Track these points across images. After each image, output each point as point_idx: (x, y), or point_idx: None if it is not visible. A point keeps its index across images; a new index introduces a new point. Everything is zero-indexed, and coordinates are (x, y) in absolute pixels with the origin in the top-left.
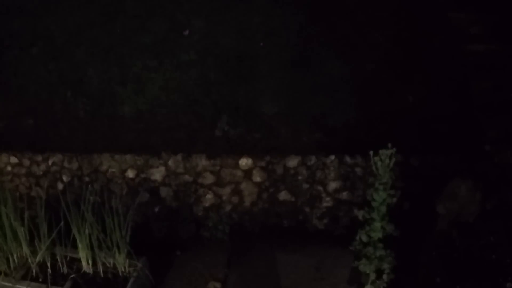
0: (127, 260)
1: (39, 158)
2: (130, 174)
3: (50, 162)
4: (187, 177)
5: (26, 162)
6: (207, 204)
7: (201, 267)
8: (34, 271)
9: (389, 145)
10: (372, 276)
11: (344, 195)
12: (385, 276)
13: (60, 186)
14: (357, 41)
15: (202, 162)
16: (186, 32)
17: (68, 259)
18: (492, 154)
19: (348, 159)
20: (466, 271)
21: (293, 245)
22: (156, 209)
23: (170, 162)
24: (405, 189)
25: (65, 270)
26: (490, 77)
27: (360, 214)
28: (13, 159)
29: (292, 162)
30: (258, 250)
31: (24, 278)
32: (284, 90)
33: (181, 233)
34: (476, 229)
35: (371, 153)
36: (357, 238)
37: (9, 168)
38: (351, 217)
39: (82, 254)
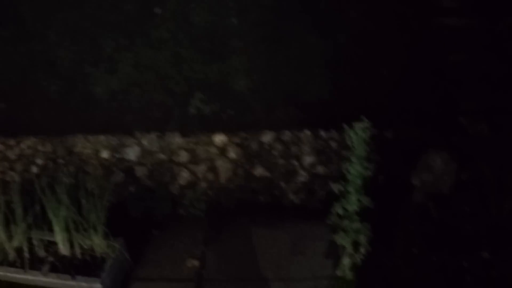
0: (104, 241)
1: (11, 142)
2: (105, 154)
3: (23, 146)
4: (162, 156)
5: None
6: (182, 182)
7: (179, 245)
8: (11, 256)
9: (364, 118)
10: (349, 249)
11: (320, 169)
12: (362, 249)
13: (34, 169)
14: (330, 16)
15: (176, 140)
16: (158, 10)
17: (45, 242)
18: (466, 126)
19: (323, 133)
20: (442, 242)
21: (270, 221)
22: (132, 189)
23: (144, 141)
24: (380, 162)
25: (42, 253)
26: (464, 50)
27: (335, 187)
28: None
29: (267, 137)
30: (235, 226)
31: (1, 264)
32: (258, 66)
33: (157, 212)
34: (451, 201)
35: (345, 126)
36: (333, 211)
37: None
38: (327, 191)
39: (59, 237)
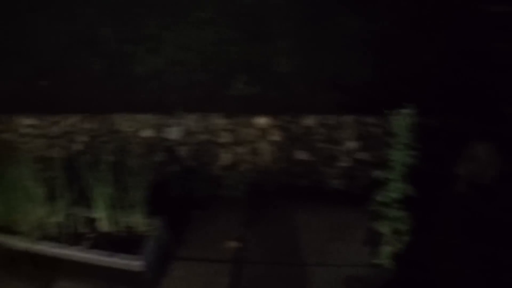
0: (145, 220)
1: (55, 119)
2: (147, 133)
3: (66, 123)
4: (204, 136)
5: (43, 123)
6: (224, 163)
7: (219, 226)
8: (53, 231)
9: (408, 105)
10: (389, 237)
11: (362, 155)
12: (401, 237)
13: (77, 146)
14: None
15: (219, 121)
16: None
17: (86, 219)
18: (510, 116)
19: (366, 118)
20: (483, 233)
21: (310, 205)
22: (173, 169)
23: (187, 121)
24: (423, 150)
25: (83, 230)
26: (509, 38)
27: (378, 174)
28: (30, 121)
29: (310, 121)
30: (275, 209)
31: (42, 239)
32: (301, 48)
33: (198, 193)
34: (494, 192)
35: (390, 112)
36: (375, 198)
37: (26, 130)
38: (368, 177)
39: (100, 214)
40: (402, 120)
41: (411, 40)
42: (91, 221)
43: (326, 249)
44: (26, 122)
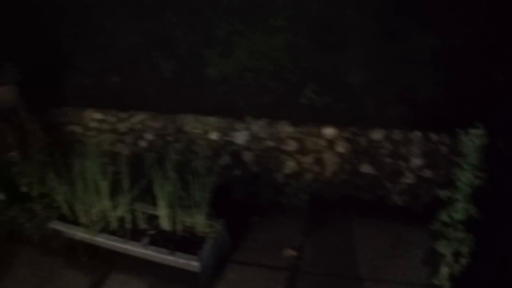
0: (206, 221)
1: (123, 115)
2: (213, 136)
3: (134, 120)
4: (270, 143)
5: (111, 118)
6: (288, 171)
7: (278, 234)
8: (113, 225)
9: (479, 125)
10: (449, 258)
11: (427, 172)
12: (462, 259)
13: (143, 144)
14: (448, 15)
15: (286, 128)
16: None
17: (147, 215)
18: None
19: (433, 136)
20: None
21: (370, 219)
22: (237, 173)
23: (254, 127)
24: (490, 171)
25: (144, 226)
26: None
27: (443, 193)
28: (98, 115)
29: (377, 135)
30: (336, 221)
31: (103, 231)
32: (372, 61)
33: (260, 198)
34: None
35: (460, 131)
36: (437, 217)
37: (93, 124)
38: (432, 196)
39: (162, 211)
40: (471, 140)
41: (484, 59)
42: (152, 218)
43: (383, 265)
44: (95, 116)
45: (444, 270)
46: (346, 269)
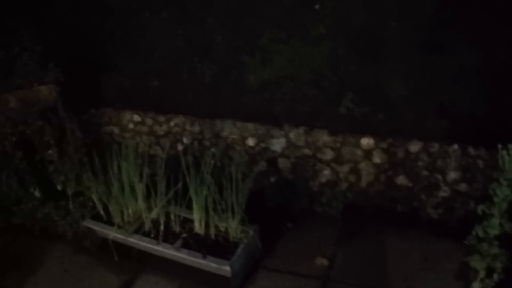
0: (240, 226)
1: (161, 118)
2: (251, 142)
3: (172, 123)
4: (306, 151)
5: (149, 121)
6: (323, 180)
7: (311, 242)
8: (147, 226)
9: None
10: (482, 274)
11: (463, 186)
12: (495, 276)
13: (180, 147)
14: (491, 30)
15: (323, 137)
16: (317, 6)
17: (181, 218)
18: None
19: (471, 150)
20: None
21: (404, 232)
22: (273, 180)
23: (291, 134)
24: None
25: (177, 229)
26: None
27: (479, 208)
28: (136, 117)
29: (414, 147)
30: (369, 232)
31: (136, 232)
32: (413, 73)
33: (294, 206)
34: None
35: (499, 146)
36: (473, 232)
37: (131, 126)
38: (467, 210)
39: (196, 215)
40: (510, 155)
41: None
42: (186, 222)
43: (415, 278)
44: (134, 118)
45: (476, 286)
46: (377, 280)
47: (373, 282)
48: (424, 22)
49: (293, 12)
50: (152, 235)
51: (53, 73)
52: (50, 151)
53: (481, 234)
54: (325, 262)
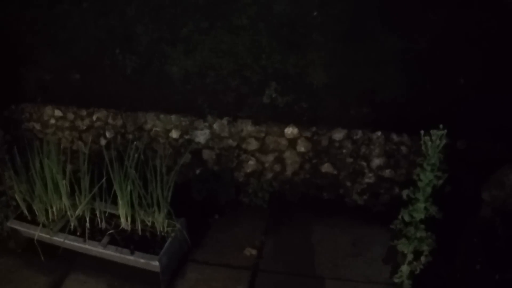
0: (166, 220)
1: (83, 112)
2: (174, 134)
3: (94, 117)
4: (231, 142)
5: (70, 116)
6: (248, 170)
7: (238, 233)
8: (72, 224)
9: (441, 126)
10: (410, 257)
11: (387, 172)
12: (422, 258)
13: (103, 141)
14: (411, 17)
15: (247, 127)
16: None
17: (107, 215)
18: None
19: (394, 136)
20: (507, 260)
21: (331, 218)
22: (198, 171)
23: (215, 125)
24: (450, 172)
25: (103, 225)
26: None
27: (404, 193)
28: (58, 112)
29: (338, 135)
30: (296, 220)
31: (62, 230)
32: (335, 61)
33: (220, 197)
34: None
35: (421, 132)
36: (399, 217)
37: (53, 121)
38: (392, 195)
39: (122, 210)
40: (433, 140)
41: (444, 61)
42: (113, 217)
43: (344, 263)
44: (55, 113)
45: (404, 269)
46: (306, 267)
47: (302, 269)
48: (345, 11)
49: (215, 2)
50: (78, 233)
51: None
52: None
53: (407, 218)
54: (254, 252)
